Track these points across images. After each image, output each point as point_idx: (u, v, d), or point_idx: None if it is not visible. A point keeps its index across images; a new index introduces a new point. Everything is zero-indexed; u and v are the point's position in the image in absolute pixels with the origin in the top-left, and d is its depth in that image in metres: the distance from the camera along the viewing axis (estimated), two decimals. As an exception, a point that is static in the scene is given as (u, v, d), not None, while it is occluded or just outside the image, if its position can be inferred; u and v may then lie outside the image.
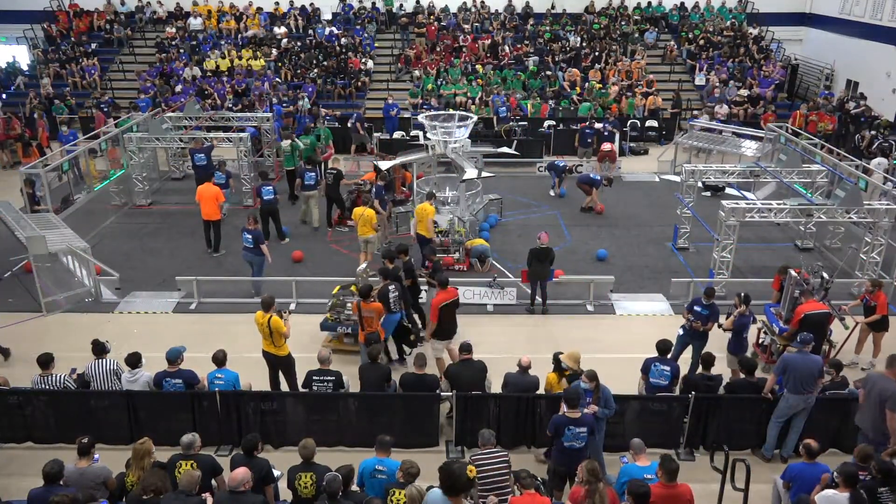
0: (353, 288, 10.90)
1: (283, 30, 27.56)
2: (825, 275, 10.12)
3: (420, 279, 11.26)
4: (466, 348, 8.70)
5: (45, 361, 8.51)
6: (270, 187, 14.66)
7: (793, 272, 10.15)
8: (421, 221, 12.81)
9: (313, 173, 15.59)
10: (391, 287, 9.88)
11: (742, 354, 9.64)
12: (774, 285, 10.90)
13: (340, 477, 6.14)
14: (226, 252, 14.27)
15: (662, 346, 8.80)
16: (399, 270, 10.48)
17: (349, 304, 10.55)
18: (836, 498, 6.25)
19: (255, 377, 9.26)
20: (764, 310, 10.61)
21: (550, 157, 20.70)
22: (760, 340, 10.54)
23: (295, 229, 15.54)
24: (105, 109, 21.85)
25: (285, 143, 17.16)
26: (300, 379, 8.88)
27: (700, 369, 8.83)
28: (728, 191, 17.36)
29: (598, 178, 16.90)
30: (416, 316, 11.05)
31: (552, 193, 18.06)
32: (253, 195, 16.84)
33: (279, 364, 9.23)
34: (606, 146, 19.16)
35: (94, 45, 26.92)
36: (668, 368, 8.66)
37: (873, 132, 19.65)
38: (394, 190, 16.30)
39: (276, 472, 7.04)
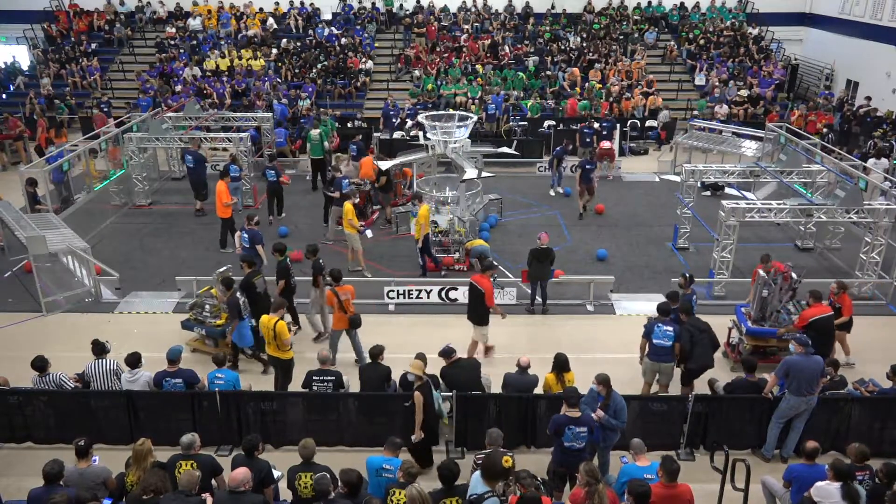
0: (212, 291, 10.84)
1: (270, 21, 27.63)
2: (794, 275, 10.19)
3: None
4: (447, 353, 8.61)
5: (41, 367, 8.49)
6: (273, 171, 15.69)
7: (761, 272, 10.25)
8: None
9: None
10: (238, 295, 9.87)
11: None
12: (753, 281, 10.90)
13: (329, 477, 6.13)
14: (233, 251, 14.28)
15: (664, 308, 8.96)
16: (256, 275, 10.33)
17: (208, 306, 10.50)
18: (829, 489, 6.38)
19: (255, 377, 9.26)
20: (735, 310, 10.66)
21: (550, 156, 20.70)
22: (730, 340, 10.57)
23: (295, 229, 15.55)
24: (105, 110, 21.87)
25: (314, 133, 17.74)
26: (300, 379, 8.86)
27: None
28: (727, 190, 17.37)
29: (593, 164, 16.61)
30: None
31: (552, 193, 18.05)
32: (254, 193, 16.91)
33: (280, 366, 9.24)
34: (605, 144, 19.15)
35: (94, 45, 26.93)
36: (670, 329, 8.80)
37: (877, 133, 19.69)
38: (393, 190, 16.32)
39: (276, 473, 7.04)
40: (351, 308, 9.95)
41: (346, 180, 14.65)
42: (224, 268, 11.13)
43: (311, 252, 10.91)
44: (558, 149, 18.18)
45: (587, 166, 16.08)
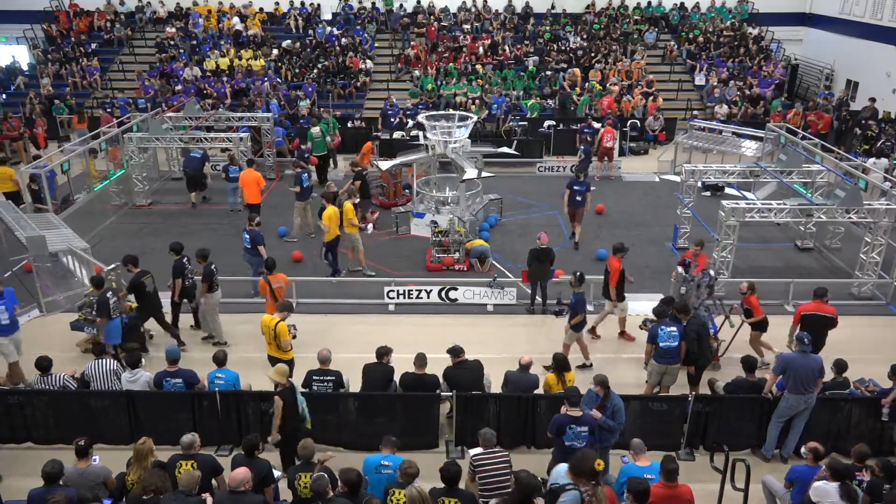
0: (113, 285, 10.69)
1: (234, 21, 27.67)
2: (712, 272, 10.37)
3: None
4: (457, 352, 8.65)
5: (45, 367, 8.51)
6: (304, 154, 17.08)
7: (680, 269, 10.44)
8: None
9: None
10: (108, 294, 9.89)
11: (581, 331, 10.04)
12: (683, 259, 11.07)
13: (327, 477, 6.14)
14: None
15: (660, 311, 9.05)
16: (145, 275, 10.39)
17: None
18: (827, 488, 6.40)
19: (255, 377, 9.25)
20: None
21: (550, 156, 20.78)
22: None
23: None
24: (109, 110, 21.87)
25: (315, 130, 18.01)
26: (301, 378, 8.86)
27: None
28: (727, 190, 17.37)
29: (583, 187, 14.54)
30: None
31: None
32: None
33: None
34: (608, 142, 19.12)
35: (94, 45, 26.93)
36: (675, 330, 8.83)
37: (868, 132, 19.75)
38: (369, 195, 16.23)
39: (276, 473, 7.04)
40: (282, 296, 10.45)
41: (306, 174, 15.02)
42: (112, 265, 11.08)
43: (201, 257, 10.83)
44: (584, 146, 18.10)
45: (575, 187, 14.20)
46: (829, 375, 8.44)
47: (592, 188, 17.73)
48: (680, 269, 10.57)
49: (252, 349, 10.78)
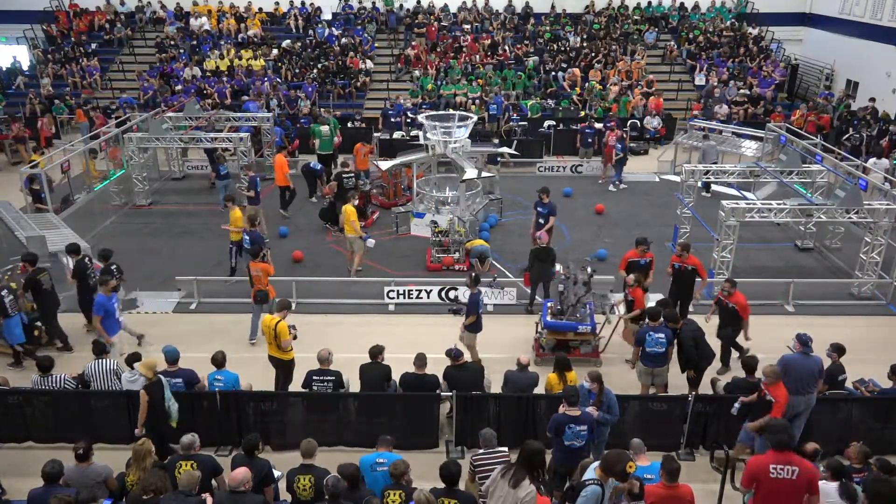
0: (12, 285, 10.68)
1: (203, 23, 27.75)
2: (589, 269, 10.73)
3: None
4: (455, 356, 8.67)
5: (47, 366, 8.52)
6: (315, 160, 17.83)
7: (559, 269, 10.72)
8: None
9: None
10: (3, 293, 9.90)
11: (478, 332, 9.99)
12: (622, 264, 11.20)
13: (342, 478, 6.13)
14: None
15: (653, 312, 9.00)
16: (41, 273, 10.39)
17: None
18: (826, 488, 6.39)
19: (255, 378, 9.26)
20: (543, 304, 10.85)
21: (550, 156, 20.79)
22: (537, 335, 10.68)
23: (294, 229, 15.55)
24: (111, 111, 21.86)
25: (324, 129, 18.14)
26: (301, 378, 8.86)
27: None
28: (718, 188, 17.34)
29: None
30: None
31: (613, 189, 18.22)
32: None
33: (281, 367, 9.24)
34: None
35: (94, 45, 26.93)
36: (662, 336, 8.84)
37: (865, 131, 19.83)
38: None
39: (276, 473, 7.04)
40: (261, 283, 10.65)
41: (258, 178, 15.15)
42: (9, 266, 11.00)
43: (102, 257, 10.83)
44: (620, 144, 18.28)
45: (538, 209, 13.23)
46: (825, 361, 8.41)
47: (607, 189, 18.04)
48: (558, 267, 10.73)
49: (252, 349, 10.80)
